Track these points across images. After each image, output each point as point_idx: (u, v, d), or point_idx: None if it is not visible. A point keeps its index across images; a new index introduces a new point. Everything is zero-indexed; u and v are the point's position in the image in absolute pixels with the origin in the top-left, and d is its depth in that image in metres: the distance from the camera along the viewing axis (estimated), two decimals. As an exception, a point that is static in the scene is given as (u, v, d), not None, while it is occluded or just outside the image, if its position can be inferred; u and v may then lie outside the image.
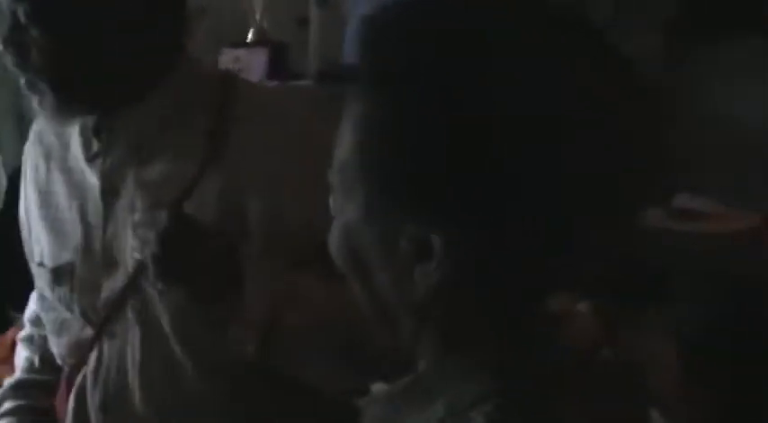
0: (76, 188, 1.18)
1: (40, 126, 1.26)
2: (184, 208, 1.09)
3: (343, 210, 0.66)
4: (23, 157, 1.29)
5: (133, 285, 1.11)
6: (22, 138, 2.82)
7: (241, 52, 1.77)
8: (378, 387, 0.72)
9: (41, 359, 1.30)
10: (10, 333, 2.21)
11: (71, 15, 1.05)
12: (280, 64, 1.79)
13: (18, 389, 1.32)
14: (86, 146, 1.17)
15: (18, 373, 1.34)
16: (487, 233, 0.58)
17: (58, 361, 1.23)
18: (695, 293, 1.33)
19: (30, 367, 1.33)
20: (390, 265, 0.63)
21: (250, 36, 1.87)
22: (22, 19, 1.04)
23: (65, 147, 1.21)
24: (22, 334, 1.37)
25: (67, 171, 1.19)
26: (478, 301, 0.62)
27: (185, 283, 1.04)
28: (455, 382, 0.62)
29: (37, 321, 1.31)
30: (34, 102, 1.11)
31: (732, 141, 1.80)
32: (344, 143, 0.64)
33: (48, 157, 1.23)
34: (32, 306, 1.34)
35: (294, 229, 1.09)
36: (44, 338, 1.28)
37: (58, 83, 1.07)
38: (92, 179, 1.17)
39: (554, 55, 0.59)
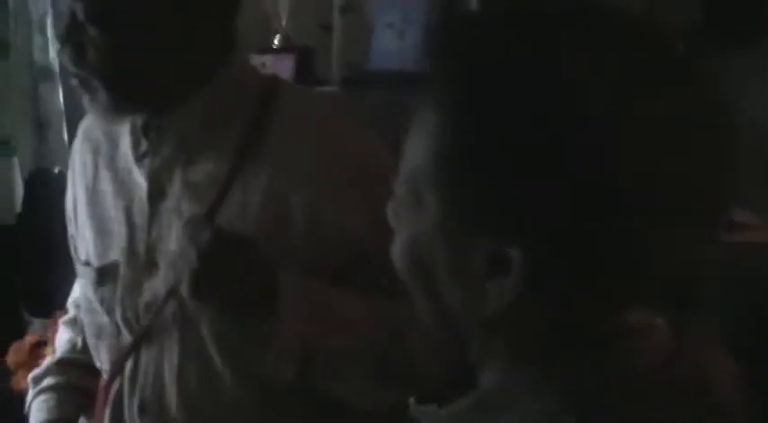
0: (123, 187, 1.18)
1: (88, 123, 1.27)
2: (229, 209, 1.09)
3: (410, 221, 0.64)
4: (72, 153, 1.29)
5: (173, 289, 1.11)
6: (40, 142, 2.83)
7: (268, 58, 1.77)
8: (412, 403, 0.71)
9: (84, 341, 1.29)
10: (28, 338, 2.21)
11: (127, 14, 1.06)
12: (306, 70, 1.79)
13: (60, 366, 1.31)
14: (135, 145, 1.17)
15: (59, 353, 1.34)
16: (566, 246, 0.57)
17: (96, 364, 1.23)
18: (731, 302, 1.33)
19: (72, 348, 1.32)
20: (461, 278, 0.61)
21: (276, 42, 1.87)
22: (80, 17, 1.05)
23: (113, 145, 1.21)
24: (66, 317, 1.37)
25: (115, 170, 1.20)
26: (553, 316, 0.60)
27: (220, 298, 1.03)
28: (525, 397, 0.61)
29: (80, 306, 1.31)
30: (85, 100, 1.12)
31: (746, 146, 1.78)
32: (415, 152, 0.63)
33: (96, 154, 1.23)
34: (76, 291, 1.34)
35: (332, 235, 1.08)
36: None
37: (112, 81, 1.08)
38: (139, 179, 1.17)
39: (629, 63, 0.58)
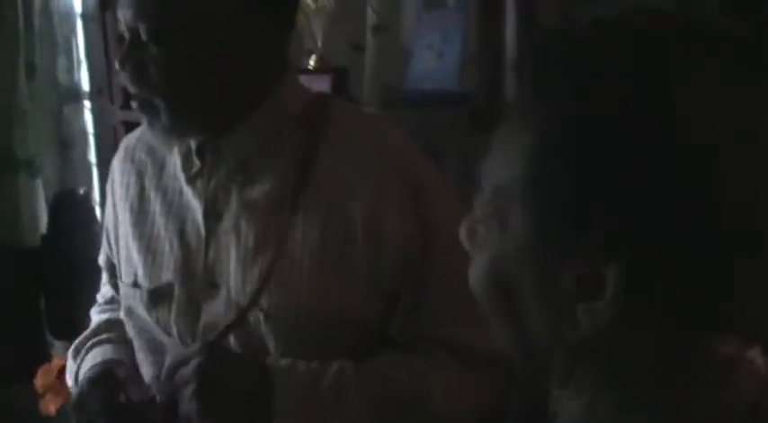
0: (173, 208, 1.17)
1: (129, 143, 1.25)
2: (292, 231, 1.08)
3: (492, 241, 0.62)
4: (111, 172, 1.28)
5: (240, 314, 1.09)
6: (63, 164, 2.83)
7: (303, 78, 1.76)
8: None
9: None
10: (56, 361, 2.20)
11: (190, 34, 1.05)
12: (342, 90, 1.78)
13: (108, 324, 1.30)
14: (186, 166, 1.15)
15: (102, 318, 1.31)
16: (665, 268, 0.55)
17: (148, 381, 1.21)
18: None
19: (116, 317, 1.29)
20: (549, 300, 0.59)
21: (311, 62, 1.86)
22: (144, 36, 1.04)
23: (159, 165, 1.20)
24: (96, 305, 1.34)
25: (163, 190, 1.18)
26: (646, 341, 0.58)
27: (217, 414, 1.05)
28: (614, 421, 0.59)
29: (113, 294, 1.31)
30: (143, 120, 1.10)
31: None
32: (501, 171, 0.61)
33: (140, 175, 1.21)
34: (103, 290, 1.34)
35: (390, 247, 1.07)
36: None
37: (174, 100, 1.06)
38: (191, 200, 1.15)
39: (738, 82, 0.56)
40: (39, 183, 2.72)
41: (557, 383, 0.63)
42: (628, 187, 0.55)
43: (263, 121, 1.11)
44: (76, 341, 1.30)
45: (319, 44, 1.86)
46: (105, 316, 1.33)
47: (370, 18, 1.95)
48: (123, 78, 1.09)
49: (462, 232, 0.66)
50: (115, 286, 1.30)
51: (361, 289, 1.08)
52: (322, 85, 1.75)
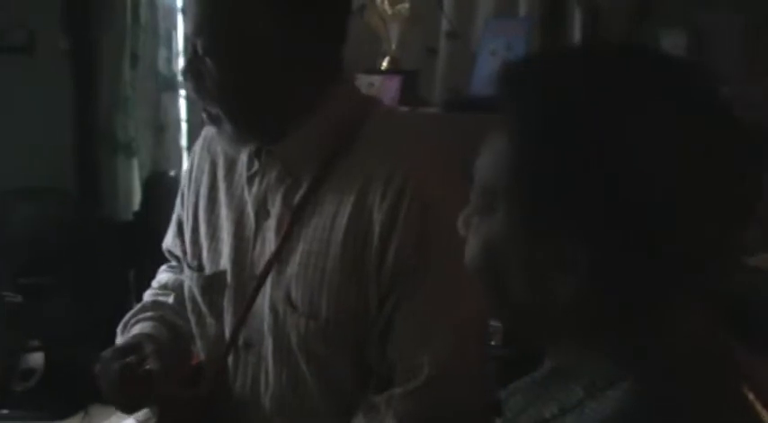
0: (234, 201, 1.28)
1: (210, 133, 1.36)
2: (319, 221, 1.18)
3: (483, 226, 0.74)
4: (191, 156, 1.40)
5: (272, 304, 1.22)
6: (159, 146, 3.02)
7: (376, 78, 1.88)
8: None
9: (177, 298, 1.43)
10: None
11: (237, 51, 1.14)
12: (411, 91, 1.90)
13: (158, 305, 1.41)
14: (249, 165, 1.28)
15: (149, 299, 1.44)
16: (625, 247, 0.66)
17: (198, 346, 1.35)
18: None
19: (165, 301, 1.42)
20: (530, 274, 0.71)
21: (384, 64, 1.99)
22: (200, 50, 1.15)
23: (230, 159, 1.31)
24: (151, 287, 1.47)
25: (230, 182, 1.30)
26: (611, 304, 0.69)
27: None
28: (591, 369, 0.71)
29: (167, 281, 1.45)
30: (215, 131, 1.23)
31: None
32: (489, 168, 0.73)
33: (214, 164, 1.33)
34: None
35: (395, 264, 1.14)
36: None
37: (229, 111, 1.17)
38: (247, 196, 1.27)
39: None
40: (135, 163, 2.94)
41: (541, 340, 0.76)
42: (592, 191, 0.66)
43: (311, 130, 1.19)
44: (125, 317, 1.41)
45: (393, 47, 1.98)
46: (154, 298, 1.44)
47: (444, 24, 2.06)
48: (187, 88, 1.20)
49: (459, 222, 0.79)
50: (173, 269, 1.44)
51: (370, 290, 1.16)
52: (392, 85, 1.87)
